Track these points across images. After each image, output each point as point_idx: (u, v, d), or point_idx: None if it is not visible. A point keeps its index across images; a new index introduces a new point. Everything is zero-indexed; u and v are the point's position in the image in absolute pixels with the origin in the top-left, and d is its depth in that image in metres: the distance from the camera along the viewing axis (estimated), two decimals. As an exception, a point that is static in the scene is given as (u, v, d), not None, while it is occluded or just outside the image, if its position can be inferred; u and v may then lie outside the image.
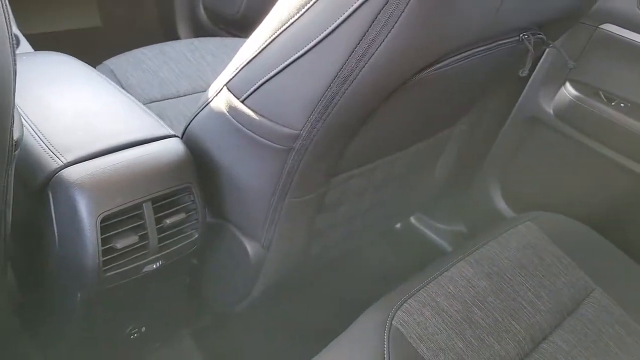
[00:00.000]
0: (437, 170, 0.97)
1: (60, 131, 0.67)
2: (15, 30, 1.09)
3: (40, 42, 1.22)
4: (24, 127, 0.66)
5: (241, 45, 1.25)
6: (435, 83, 0.65)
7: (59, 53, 0.85)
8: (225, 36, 1.56)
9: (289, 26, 0.58)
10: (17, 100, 0.48)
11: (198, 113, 0.72)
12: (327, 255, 0.91)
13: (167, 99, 1.04)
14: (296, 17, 0.56)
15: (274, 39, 0.59)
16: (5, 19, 0.39)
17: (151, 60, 1.10)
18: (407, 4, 0.49)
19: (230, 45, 1.20)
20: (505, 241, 0.81)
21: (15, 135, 0.51)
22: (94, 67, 1.09)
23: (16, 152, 0.53)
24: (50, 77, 0.77)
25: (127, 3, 1.73)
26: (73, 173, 0.63)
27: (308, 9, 0.55)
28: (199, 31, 1.63)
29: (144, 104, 1.01)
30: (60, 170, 0.63)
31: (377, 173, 0.83)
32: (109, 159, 0.65)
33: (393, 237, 1.15)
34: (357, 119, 0.63)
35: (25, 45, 1.05)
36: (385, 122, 0.69)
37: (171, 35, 1.67)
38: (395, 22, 0.51)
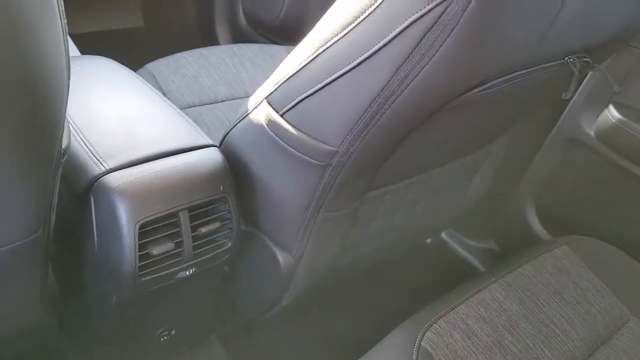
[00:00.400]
0: (472, 187, 0.97)
1: (104, 136, 0.69)
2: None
3: (85, 42, 1.25)
4: (70, 132, 0.68)
5: (280, 53, 1.26)
6: (476, 104, 0.65)
7: (104, 57, 0.87)
8: (264, 41, 1.58)
9: (332, 44, 0.58)
10: None
11: (237, 124, 0.73)
12: (357, 268, 0.91)
13: (205, 104, 1.06)
14: (340, 35, 0.57)
15: (317, 56, 0.60)
16: (63, 35, 0.40)
17: (191, 65, 1.12)
18: (452, 29, 0.49)
19: (269, 52, 1.21)
20: (540, 265, 0.80)
21: (64, 144, 0.52)
22: (136, 68, 1.12)
23: (63, 159, 0.54)
24: (95, 81, 0.79)
25: (169, 5, 1.76)
26: (115, 179, 0.64)
27: (352, 29, 0.55)
28: (237, 35, 1.65)
29: (182, 109, 1.03)
30: (102, 176, 0.65)
31: (412, 189, 0.83)
32: (150, 166, 0.67)
33: (423, 251, 1.14)
34: (396, 138, 0.63)
35: (71, 46, 1.07)
36: (423, 140, 0.69)
37: (210, 37, 1.69)
38: (440, 46, 0.50)
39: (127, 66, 1.10)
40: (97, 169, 0.65)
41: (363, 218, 0.79)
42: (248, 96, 1.09)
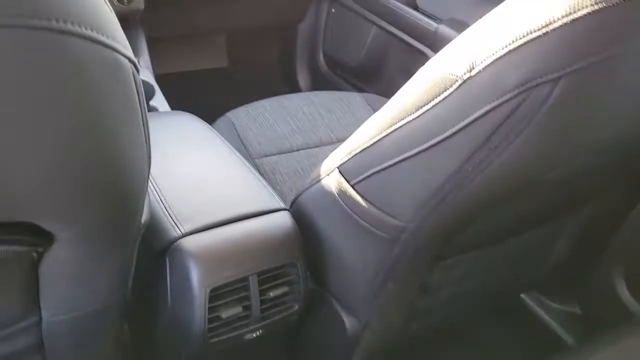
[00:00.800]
0: (555, 251, 0.91)
1: (182, 199, 0.72)
2: (150, 78, 1.19)
3: (172, 82, 1.32)
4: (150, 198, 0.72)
5: (356, 100, 1.26)
6: (556, 181, 0.61)
7: (185, 114, 0.91)
8: (342, 83, 1.60)
9: (407, 122, 0.57)
10: None
11: (309, 188, 0.74)
12: (427, 332, 0.88)
13: (281, 153, 1.08)
14: (415, 115, 0.56)
15: (391, 132, 0.59)
16: (146, 145, 0.42)
17: (269, 113, 1.15)
18: (531, 121, 0.47)
19: (346, 99, 1.22)
20: (627, 348, 0.74)
21: (143, 219, 0.55)
22: (219, 108, 1.16)
23: (142, 230, 0.57)
24: (176, 141, 0.82)
25: (253, 46, 1.83)
26: (189, 244, 0.67)
27: (428, 109, 0.54)
28: (316, 76, 1.68)
29: (259, 158, 1.06)
30: (178, 240, 0.67)
31: (487, 257, 0.79)
32: (223, 231, 0.69)
33: (499, 311, 1.09)
34: (468, 217, 0.61)
35: (158, 96, 1.13)
36: (498, 214, 0.66)
37: (290, 78, 1.73)
38: (517, 136, 0.49)
39: (210, 106, 1.15)
40: (173, 232, 0.68)
41: (434, 286, 0.77)
42: (322, 145, 1.11)
